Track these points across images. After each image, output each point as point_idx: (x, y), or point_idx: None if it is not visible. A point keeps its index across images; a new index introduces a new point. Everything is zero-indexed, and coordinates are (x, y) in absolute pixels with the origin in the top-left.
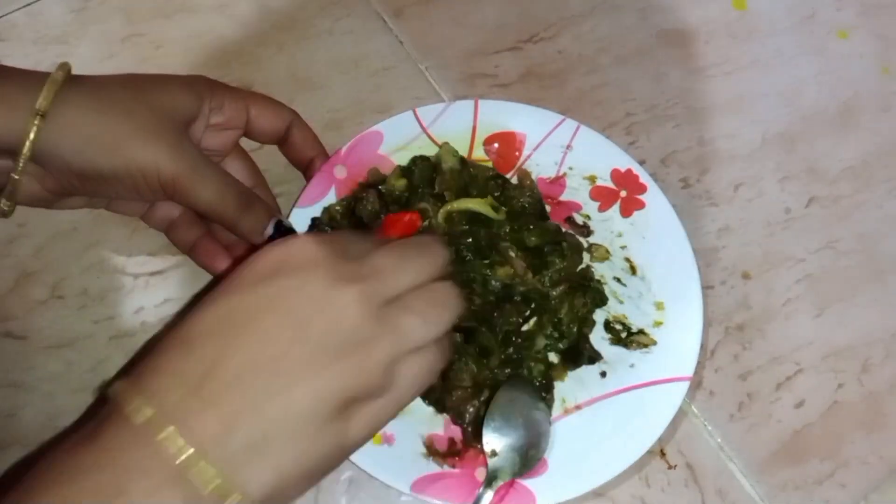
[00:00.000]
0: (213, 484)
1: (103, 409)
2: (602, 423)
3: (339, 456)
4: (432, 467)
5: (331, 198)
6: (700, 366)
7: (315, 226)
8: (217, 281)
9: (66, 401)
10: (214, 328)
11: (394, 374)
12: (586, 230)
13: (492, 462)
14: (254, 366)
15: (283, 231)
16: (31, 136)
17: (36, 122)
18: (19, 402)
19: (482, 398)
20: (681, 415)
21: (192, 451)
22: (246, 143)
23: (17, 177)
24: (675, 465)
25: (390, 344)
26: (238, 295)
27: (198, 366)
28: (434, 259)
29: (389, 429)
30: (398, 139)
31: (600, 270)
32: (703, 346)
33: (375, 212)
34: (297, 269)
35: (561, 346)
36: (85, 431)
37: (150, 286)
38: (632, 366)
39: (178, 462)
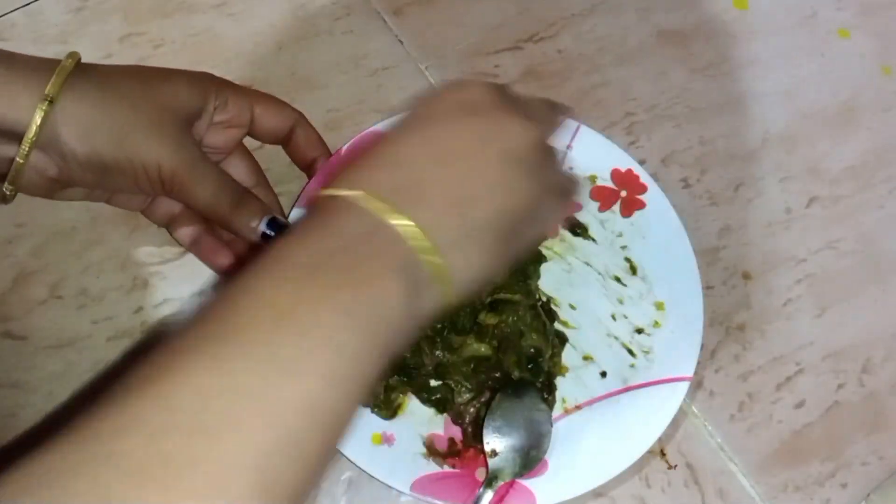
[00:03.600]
0: (435, 272)
1: (319, 210)
2: (602, 423)
3: (513, 259)
4: (432, 467)
5: None
6: (700, 366)
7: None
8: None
9: (66, 401)
10: (419, 152)
11: (552, 204)
12: (583, 230)
13: (492, 462)
14: (459, 180)
15: (280, 228)
16: (38, 120)
17: (43, 108)
18: (19, 402)
19: (482, 399)
20: (681, 415)
21: (423, 239)
22: (248, 141)
23: (21, 161)
24: (676, 466)
25: (552, 180)
26: (431, 124)
27: (410, 176)
28: (557, 119)
29: (389, 429)
30: None
31: (600, 267)
32: (703, 347)
33: None
34: (481, 105)
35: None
36: (313, 221)
37: (150, 286)
38: (632, 366)
39: (410, 245)
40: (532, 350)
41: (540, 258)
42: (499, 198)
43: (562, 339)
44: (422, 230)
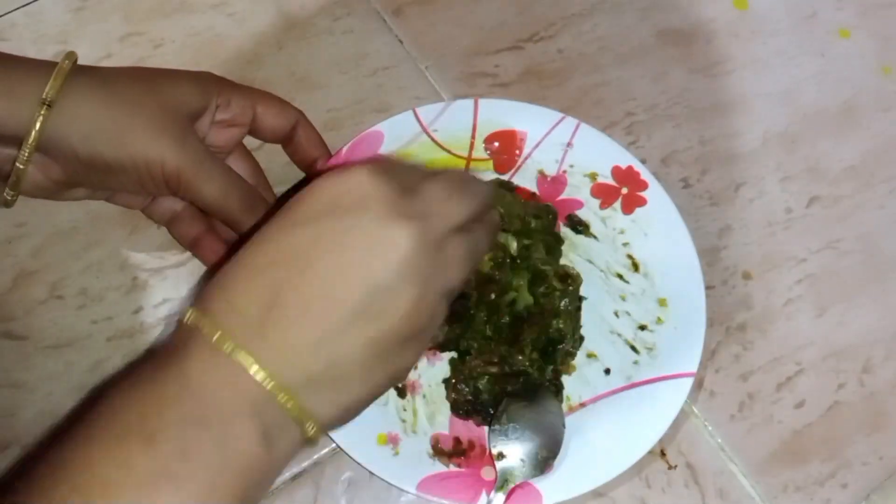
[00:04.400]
0: (293, 413)
1: (173, 338)
2: (607, 420)
3: (393, 382)
4: (438, 467)
5: None
6: (701, 366)
7: None
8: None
9: (66, 401)
10: (277, 260)
11: (438, 312)
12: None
13: (502, 465)
14: (316, 303)
15: None
16: (38, 124)
17: (42, 112)
18: (19, 402)
19: (481, 384)
20: (682, 415)
21: (273, 381)
22: (247, 141)
23: (21, 166)
24: (676, 466)
25: (440, 285)
26: (298, 230)
27: (263, 296)
28: (480, 200)
29: (394, 429)
30: (399, 139)
31: (602, 264)
32: (703, 347)
33: None
34: (355, 205)
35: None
36: (156, 363)
37: (150, 286)
38: (636, 363)
39: (261, 390)
40: (556, 333)
41: (559, 240)
42: (366, 326)
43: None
44: (271, 375)
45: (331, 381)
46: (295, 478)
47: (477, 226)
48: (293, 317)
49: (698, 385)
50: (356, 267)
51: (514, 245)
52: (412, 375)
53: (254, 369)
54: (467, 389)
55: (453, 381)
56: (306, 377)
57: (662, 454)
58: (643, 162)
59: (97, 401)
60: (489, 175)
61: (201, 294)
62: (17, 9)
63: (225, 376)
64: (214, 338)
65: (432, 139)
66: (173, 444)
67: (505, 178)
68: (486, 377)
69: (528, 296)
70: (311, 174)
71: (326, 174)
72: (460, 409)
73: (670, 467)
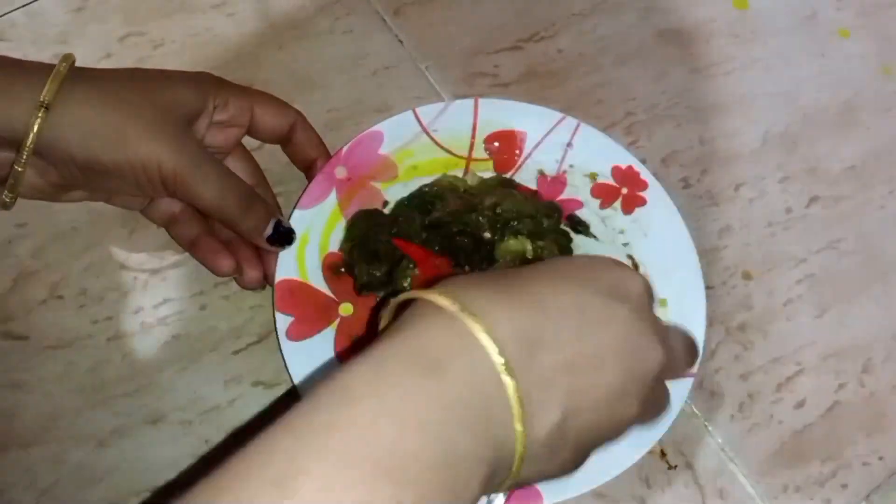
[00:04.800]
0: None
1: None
2: None
3: (571, 470)
4: None
5: (332, 199)
6: (701, 366)
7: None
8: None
9: (66, 401)
10: (564, 310)
11: (641, 412)
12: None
13: None
14: (588, 364)
15: (282, 232)
16: (35, 127)
17: (40, 114)
18: (19, 402)
19: None
20: (682, 415)
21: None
22: (247, 141)
23: (20, 169)
24: (676, 466)
25: (658, 406)
26: (585, 291)
27: (544, 336)
28: (693, 363)
29: None
30: (399, 139)
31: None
32: (704, 347)
33: (455, 211)
34: (636, 300)
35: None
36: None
37: (150, 287)
38: None
39: (511, 410)
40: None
41: (568, 238)
42: (609, 409)
43: None
44: (521, 400)
45: (562, 437)
46: None
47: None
48: (565, 362)
49: (698, 385)
50: (631, 354)
51: (529, 248)
52: None
53: (509, 384)
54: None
55: None
56: (550, 422)
57: (662, 454)
58: (643, 162)
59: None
60: (489, 175)
61: (459, 287)
62: (17, 9)
63: (483, 386)
64: (481, 341)
65: (432, 139)
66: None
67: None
68: None
69: None
70: (311, 176)
71: (613, 261)
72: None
73: (670, 467)
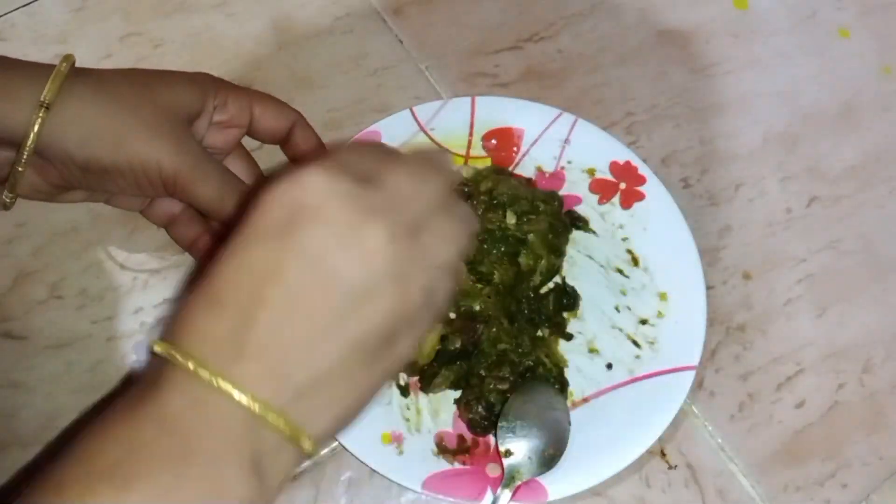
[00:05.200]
0: (286, 432)
1: (145, 371)
2: (610, 415)
3: (388, 378)
4: (443, 465)
5: None
6: (701, 366)
7: None
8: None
9: (66, 401)
10: (241, 282)
11: (431, 296)
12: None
13: (509, 462)
14: (291, 316)
15: None
16: (35, 128)
17: (40, 115)
18: (19, 402)
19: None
20: (681, 415)
21: (258, 403)
22: (247, 141)
23: (20, 169)
24: (676, 466)
25: (425, 272)
26: (259, 245)
27: (231, 323)
28: (447, 175)
29: (398, 428)
30: (396, 138)
31: (602, 260)
32: (704, 346)
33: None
34: (316, 211)
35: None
36: (128, 401)
37: (149, 286)
38: (638, 357)
39: (248, 414)
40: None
41: (567, 227)
42: (348, 329)
43: (567, 336)
44: (255, 396)
45: (320, 390)
46: (295, 478)
47: (453, 199)
48: (268, 333)
49: (698, 385)
50: (327, 274)
51: (512, 220)
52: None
53: (236, 394)
54: (480, 407)
55: (465, 401)
56: (293, 391)
57: (662, 454)
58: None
59: (72, 441)
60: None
61: (167, 325)
62: (17, 9)
63: (204, 408)
64: (188, 368)
65: (430, 138)
66: (150, 490)
67: None
68: (496, 392)
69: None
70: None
71: (276, 179)
72: (478, 427)
73: (670, 467)
